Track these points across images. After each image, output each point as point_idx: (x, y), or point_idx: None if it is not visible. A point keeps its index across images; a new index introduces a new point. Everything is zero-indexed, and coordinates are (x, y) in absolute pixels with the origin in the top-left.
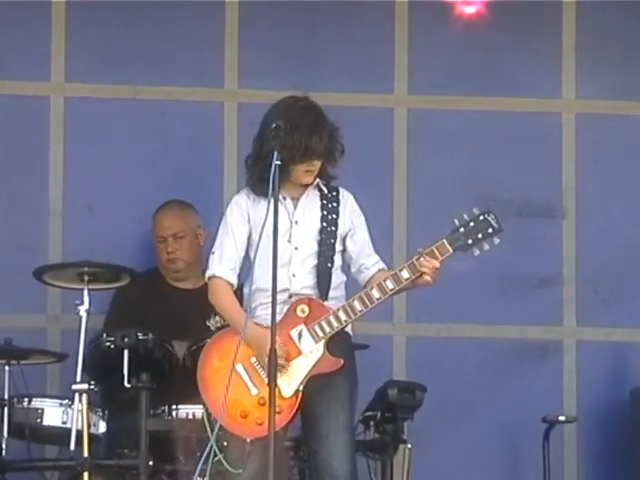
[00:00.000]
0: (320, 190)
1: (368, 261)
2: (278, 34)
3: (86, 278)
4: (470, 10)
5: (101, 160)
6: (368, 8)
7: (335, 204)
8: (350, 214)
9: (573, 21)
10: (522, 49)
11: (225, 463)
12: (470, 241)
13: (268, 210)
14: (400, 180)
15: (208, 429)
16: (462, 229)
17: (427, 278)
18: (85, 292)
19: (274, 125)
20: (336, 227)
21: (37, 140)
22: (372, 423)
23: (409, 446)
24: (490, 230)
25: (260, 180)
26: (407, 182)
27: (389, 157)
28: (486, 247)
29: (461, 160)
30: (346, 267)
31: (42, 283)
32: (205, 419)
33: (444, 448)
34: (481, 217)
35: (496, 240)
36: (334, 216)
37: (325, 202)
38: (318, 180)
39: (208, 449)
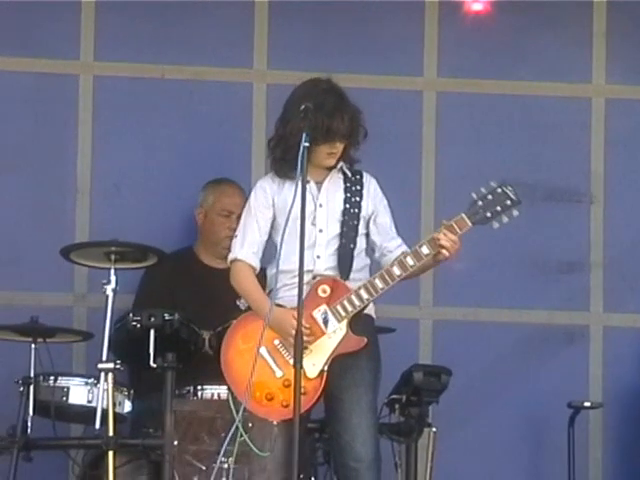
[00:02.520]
0: (344, 174)
1: (391, 244)
2: (307, 15)
3: (113, 257)
4: None
5: (129, 139)
6: None
7: (359, 187)
8: (374, 197)
9: (604, 6)
10: (552, 33)
11: (252, 445)
12: (489, 214)
13: (295, 192)
14: (428, 163)
15: (234, 411)
16: (480, 202)
17: (445, 253)
18: (112, 271)
19: (303, 106)
20: (359, 209)
21: (65, 118)
22: (397, 406)
23: (434, 430)
24: (509, 202)
25: (283, 162)
26: (435, 165)
27: (417, 140)
28: (505, 220)
29: (490, 144)
30: (370, 251)
31: (69, 262)
32: (230, 401)
33: (469, 432)
34: (499, 190)
35: (515, 212)
36: (357, 199)
37: (349, 185)
38: (342, 163)
39: (233, 430)
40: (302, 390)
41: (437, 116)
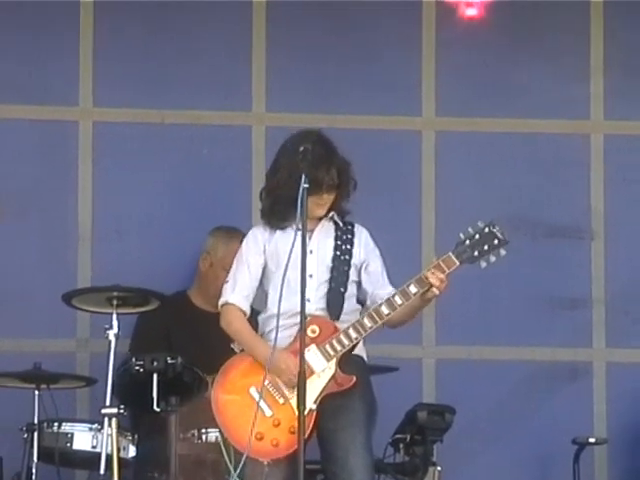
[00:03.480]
0: (335, 223)
1: (382, 292)
2: (305, 57)
3: (115, 302)
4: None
5: (129, 185)
6: (394, 32)
7: (350, 236)
8: (365, 246)
9: (601, 41)
10: (550, 69)
11: None
12: (476, 253)
13: (295, 236)
14: (428, 203)
15: (224, 453)
16: (468, 242)
17: (435, 291)
18: (114, 316)
19: (302, 148)
20: (350, 256)
21: (66, 165)
22: (402, 445)
23: (439, 469)
24: (496, 242)
25: (271, 213)
26: (435, 204)
27: (417, 180)
28: (493, 259)
29: (489, 182)
30: (362, 299)
31: (71, 307)
32: (221, 442)
33: (474, 470)
34: (486, 229)
35: (502, 252)
36: (348, 246)
37: (339, 234)
38: (333, 213)
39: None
40: (291, 429)
41: (436, 155)
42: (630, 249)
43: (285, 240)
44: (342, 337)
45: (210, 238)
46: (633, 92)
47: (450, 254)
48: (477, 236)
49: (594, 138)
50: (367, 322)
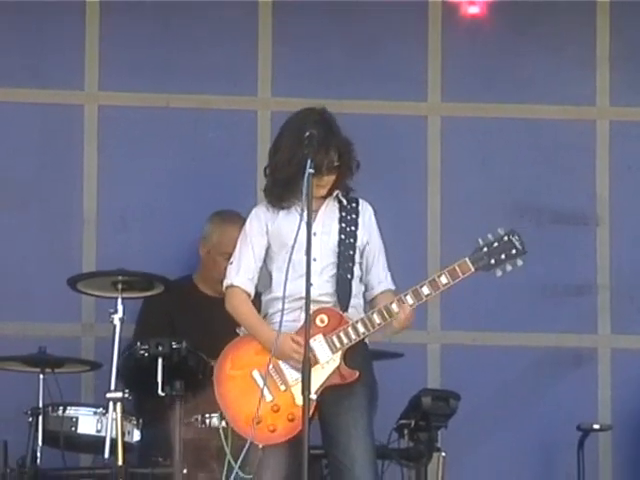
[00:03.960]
0: (339, 202)
1: (374, 280)
2: (311, 42)
3: (120, 287)
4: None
5: (134, 169)
6: (401, 17)
7: (354, 216)
8: (368, 227)
9: (607, 29)
10: (556, 56)
11: (240, 472)
12: (493, 261)
13: (301, 219)
14: (434, 188)
15: (222, 437)
16: (485, 249)
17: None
18: (119, 300)
19: (307, 133)
20: (355, 239)
21: (71, 149)
22: (406, 431)
23: (443, 454)
24: (514, 251)
25: (271, 193)
26: (441, 190)
27: (423, 165)
28: (509, 268)
29: (494, 168)
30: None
31: (76, 292)
32: (221, 430)
33: (478, 456)
34: (505, 238)
35: (519, 262)
36: (353, 228)
37: (344, 214)
38: (337, 192)
39: (226, 460)
40: (290, 416)
41: (442, 141)
42: (635, 235)
43: (288, 221)
44: (350, 330)
45: (207, 224)
46: (639, 79)
47: (466, 259)
48: (495, 244)
49: (600, 124)
50: (377, 319)
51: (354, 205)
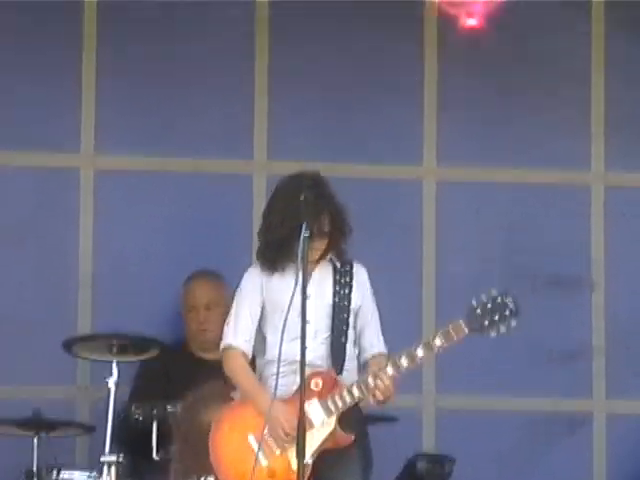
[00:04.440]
0: (334, 265)
1: (366, 343)
2: (307, 106)
3: (115, 350)
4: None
5: (130, 232)
6: (397, 80)
7: (348, 279)
8: (362, 289)
9: (602, 95)
10: (550, 120)
11: None
12: (487, 322)
13: (297, 282)
14: (429, 252)
15: None
16: (479, 310)
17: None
18: (114, 364)
19: (302, 197)
20: (349, 302)
21: (67, 211)
22: None
23: None
24: (507, 312)
25: (263, 258)
26: (436, 254)
27: (418, 229)
28: (503, 329)
29: (490, 232)
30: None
31: (71, 355)
32: None
33: None
34: (499, 299)
35: (513, 323)
36: (347, 291)
37: (338, 277)
38: (330, 255)
39: None
40: None
41: (437, 205)
42: (630, 299)
43: (282, 283)
44: (345, 394)
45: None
46: (633, 144)
47: (460, 322)
48: (489, 305)
49: (595, 189)
50: (371, 382)
51: (348, 268)
